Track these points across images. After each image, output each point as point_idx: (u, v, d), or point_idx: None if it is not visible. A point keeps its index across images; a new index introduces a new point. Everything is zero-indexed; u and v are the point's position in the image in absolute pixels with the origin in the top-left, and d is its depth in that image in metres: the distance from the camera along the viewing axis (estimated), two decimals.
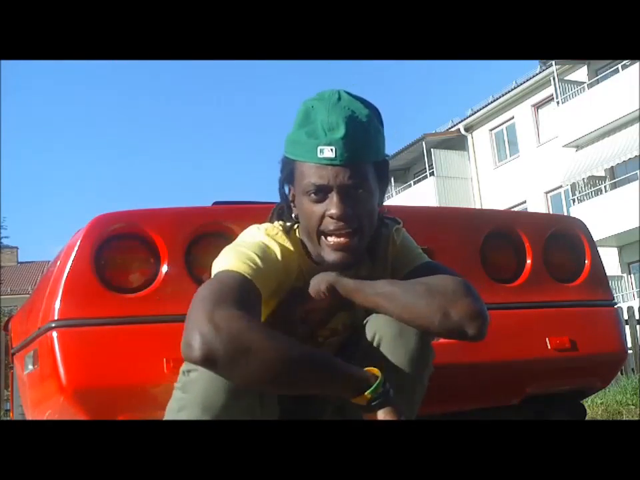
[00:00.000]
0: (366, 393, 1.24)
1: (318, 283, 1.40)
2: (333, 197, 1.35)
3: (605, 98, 18.65)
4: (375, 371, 1.27)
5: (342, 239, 1.37)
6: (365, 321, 1.43)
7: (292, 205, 1.45)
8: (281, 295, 1.42)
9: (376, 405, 1.25)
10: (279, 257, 1.40)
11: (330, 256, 1.38)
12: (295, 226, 1.47)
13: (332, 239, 1.37)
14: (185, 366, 1.30)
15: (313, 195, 1.36)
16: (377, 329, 1.38)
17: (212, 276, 1.35)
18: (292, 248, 1.44)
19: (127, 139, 67.15)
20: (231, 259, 1.34)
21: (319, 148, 1.33)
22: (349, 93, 1.39)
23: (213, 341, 1.16)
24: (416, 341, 1.37)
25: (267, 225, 1.47)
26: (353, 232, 1.37)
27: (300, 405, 1.46)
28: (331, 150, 1.33)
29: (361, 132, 1.35)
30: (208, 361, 1.16)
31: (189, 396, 1.27)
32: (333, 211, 1.35)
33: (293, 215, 1.46)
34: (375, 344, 1.38)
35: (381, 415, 1.26)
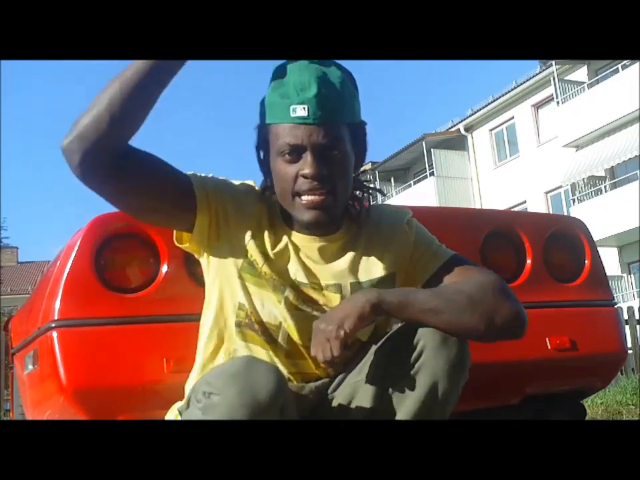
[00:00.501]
0: None
1: (362, 305, 1.32)
2: (307, 157, 1.35)
3: (605, 98, 18.65)
4: None
5: (316, 197, 1.36)
6: (406, 327, 1.38)
7: (267, 170, 1.45)
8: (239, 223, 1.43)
9: None
10: (246, 191, 1.46)
11: (304, 215, 1.38)
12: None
13: (306, 198, 1.37)
14: (205, 387, 1.24)
15: (287, 155, 1.36)
16: (420, 336, 1.34)
17: None
18: (269, 206, 1.46)
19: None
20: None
21: (292, 107, 1.33)
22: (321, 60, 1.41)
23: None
24: (458, 349, 1.34)
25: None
26: (327, 192, 1.36)
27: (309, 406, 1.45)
28: (304, 109, 1.33)
29: (334, 92, 1.36)
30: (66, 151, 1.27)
31: (210, 419, 1.23)
32: (307, 170, 1.34)
33: (268, 180, 1.45)
34: (417, 351, 1.34)
35: None
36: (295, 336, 1.42)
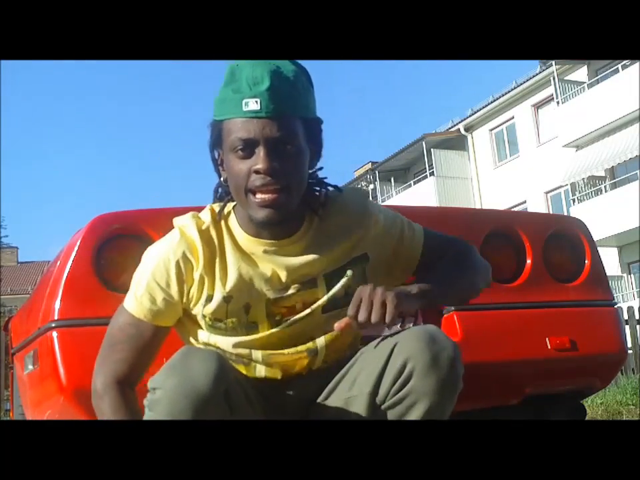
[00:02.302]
0: None
1: (379, 298, 1.29)
2: (260, 152, 1.31)
3: (605, 98, 18.64)
4: None
5: (269, 195, 1.32)
6: (393, 345, 1.34)
7: (221, 168, 1.42)
8: (199, 284, 1.41)
9: None
10: (184, 263, 1.41)
11: (258, 213, 1.34)
12: (231, 205, 1.44)
13: (259, 196, 1.33)
14: (150, 383, 1.27)
15: (239, 151, 1.33)
16: (409, 355, 1.31)
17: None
18: (217, 233, 1.42)
19: (127, 139, 67.20)
20: (134, 298, 1.51)
21: (244, 101, 1.31)
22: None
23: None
24: (448, 366, 1.31)
25: (183, 222, 1.45)
26: (281, 189, 1.33)
27: (295, 409, 1.44)
28: (256, 102, 1.30)
29: (287, 85, 1.33)
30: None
31: (154, 414, 1.25)
32: (260, 165, 1.31)
33: (222, 179, 1.42)
34: (407, 372, 1.31)
35: None
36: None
